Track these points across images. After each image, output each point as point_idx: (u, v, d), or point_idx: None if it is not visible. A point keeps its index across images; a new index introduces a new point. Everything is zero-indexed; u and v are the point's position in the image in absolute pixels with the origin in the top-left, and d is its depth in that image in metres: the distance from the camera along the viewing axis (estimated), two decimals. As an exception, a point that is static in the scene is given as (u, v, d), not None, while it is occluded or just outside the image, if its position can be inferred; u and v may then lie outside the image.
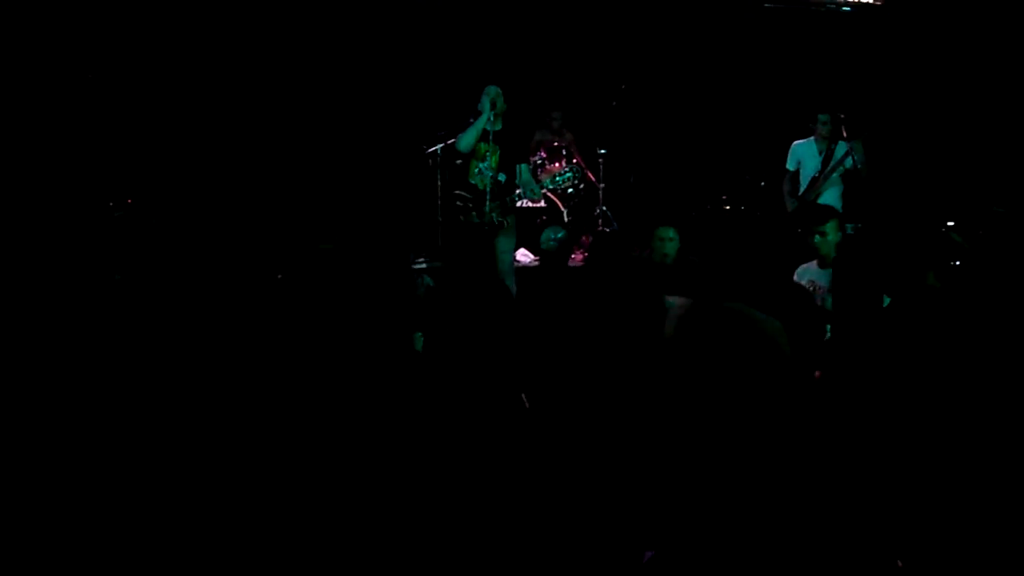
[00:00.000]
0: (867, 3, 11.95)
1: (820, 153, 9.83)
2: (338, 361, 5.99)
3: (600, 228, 11.53)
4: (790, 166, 10.07)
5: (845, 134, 9.59)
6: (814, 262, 7.27)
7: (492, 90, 9.10)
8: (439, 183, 10.05)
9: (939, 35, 11.59)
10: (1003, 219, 9.91)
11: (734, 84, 12.31)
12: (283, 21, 11.79)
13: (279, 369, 6.32)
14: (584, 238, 11.74)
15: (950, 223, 9.95)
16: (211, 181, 11.38)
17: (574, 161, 11.52)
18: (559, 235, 8.91)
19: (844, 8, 11.88)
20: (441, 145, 10.00)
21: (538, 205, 11.13)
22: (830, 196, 9.63)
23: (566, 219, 11.52)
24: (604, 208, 11.67)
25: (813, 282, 7.09)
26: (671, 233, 8.07)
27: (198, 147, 11.47)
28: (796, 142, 10.07)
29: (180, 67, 11.49)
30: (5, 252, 9.36)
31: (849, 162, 9.57)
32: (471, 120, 9.25)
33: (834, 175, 9.67)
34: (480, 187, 9.12)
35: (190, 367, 6.27)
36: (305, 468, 5.55)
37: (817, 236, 7.38)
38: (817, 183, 9.71)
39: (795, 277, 7.26)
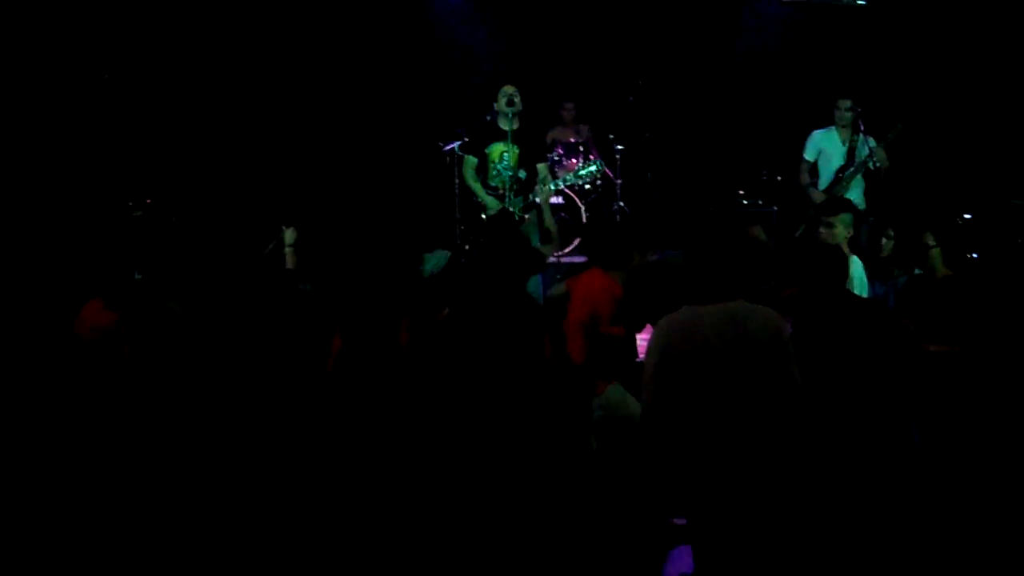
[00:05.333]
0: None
1: (844, 143, 9.69)
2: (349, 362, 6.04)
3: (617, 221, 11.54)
4: (809, 156, 9.88)
5: (863, 128, 9.52)
6: None
7: (508, 89, 9.12)
8: (456, 180, 10.09)
9: (955, 28, 11.55)
10: (1021, 211, 9.88)
11: (750, 79, 12.30)
12: (302, 21, 11.84)
13: (293, 370, 6.37)
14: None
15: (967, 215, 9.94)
16: (230, 180, 11.44)
17: (591, 157, 11.53)
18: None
19: (859, 2, 11.82)
20: (458, 143, 10.03)
21: (555, 201, 11.15)
22: (854, 192, 9.54)
23: (584, 215, 11.54)
24: (622, 204, 11.68)
25: None
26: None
27: (217, 146, 11.52)
28: (815, 131, 9.91)
29: (199, 67, 11.55)
30: (26, 251, 9.44)
31: (873, 163, 9.45)
32: (487, 118, 9.29)
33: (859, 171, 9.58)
34: (500, 187, 9.15)
35: (208, 366, 6.31)
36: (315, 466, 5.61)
37: (823, 227, 7.39)
38: (843, 178, 9.59)
39: None
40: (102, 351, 5.88)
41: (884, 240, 8.27)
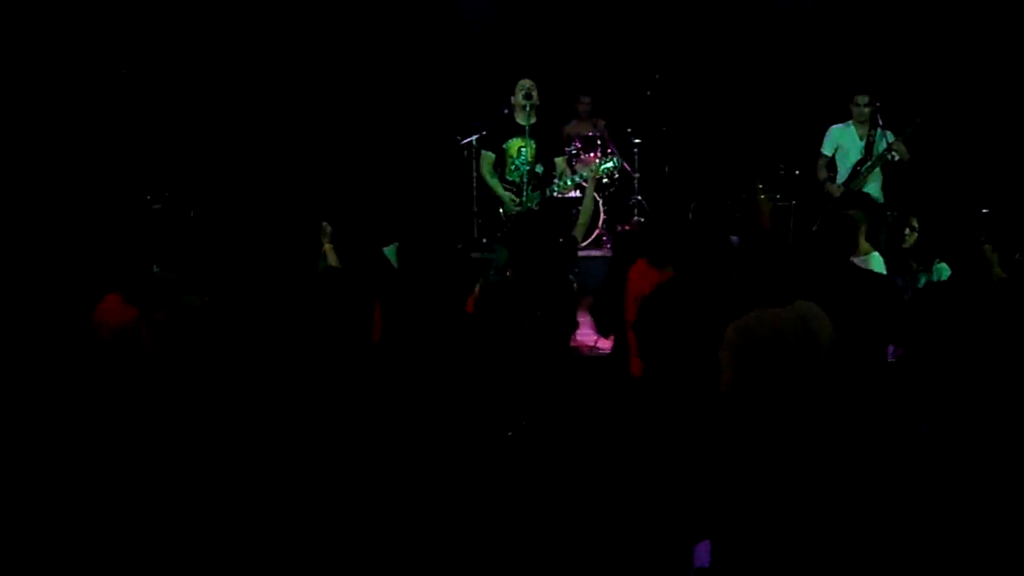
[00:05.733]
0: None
1: (861, 139, 9.64)
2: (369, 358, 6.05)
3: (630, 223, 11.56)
4: (826, 151, 9.82)
5: (881, 122, 9.48)
6: None
7: (526, 83, 9.10)
8: (474, 173, 10.10)
9: (974, 20, 11.51)
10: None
11: (768, 72, 12.27)
12: (321, 15, 11.85)
13: (309, 364, 6.38)
14: (619, 227, 11.78)
15: (984, 210, 9.89)
16: (248, 173, 11.46)
17: (609, 151, 11.51)
18: None
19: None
20: (475, 136, 10.03)
21: (573, 195, 11.13)
22: (872, 187, 9.51)
23: (601, 208, 11.53)
24: (639, 197, 11.68)
25: None
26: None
27: (235, 139, 11.54)
28: (833, 126, 9.85)
29: (217, 61, 11.57)
30: (46, 244, 9.47)
31: (892, 156, 9.39)
32: (505, 111, 9.27)
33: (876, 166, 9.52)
34: (518, 181, 9.13)
35: (229, 360, 6.31)
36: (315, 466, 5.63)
37: None
38: (861, 172, 9.55)
39: None
40: (122, 346, 5.87)
41: (907, 232, 8.09)
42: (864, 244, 7.26)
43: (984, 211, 10.04)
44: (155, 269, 6.43)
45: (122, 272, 6.17)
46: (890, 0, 11.82)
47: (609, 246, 11.64)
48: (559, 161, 9.28)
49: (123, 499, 5.51)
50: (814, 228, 9.36)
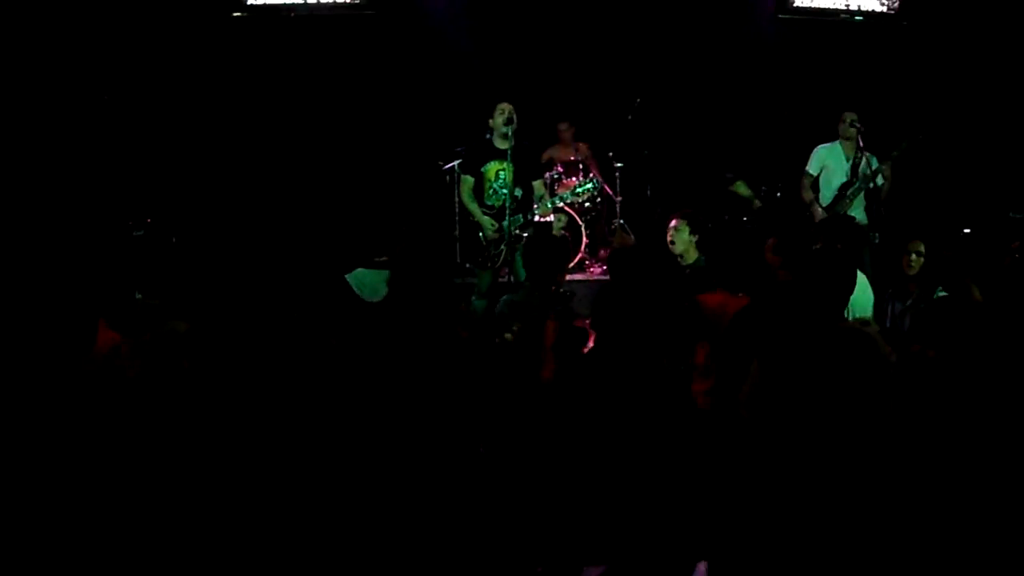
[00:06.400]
0: (881, 14, 11.92)
1: (848, 159, 9.61)
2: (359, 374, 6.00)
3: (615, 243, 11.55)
4: (812, 170, 9.78)
5: (861, 143, 9.46)
6: None
7: (505, 106, 9.09)
8: (456, 199, 10.08)
9: (952, 44, 11.57)
10: (1020, 225, 9.88)
11: (749, 96, 12.29)
12: (300, 42, 11.85)
13: (296, 387, 6.33)
14: (601, 251, 11.78)
15: (960, 229, 9.91)
16: (230, 199, 11.43)
17: (591, 175, 11.53)
18: None
19: (857, 19, 11.86)
20: (458, 161, 10.02)
21: (550, 219, 11.14)
22: (856, 210, 9.50)
23: (584, 232, 11.54)
24: (621, 221, 11.68)
25: None
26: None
27: (217, 165, 11.52)
28: (820, 146, 9.83)
29: (198, 87, 11.56)
30: (27, 270, 9.41)
31: (876, 181, 9.38)
32: (487, 136, 9.25)
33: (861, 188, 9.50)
34: (497, 205, 9.11)
35: (211, 383, 6.28)
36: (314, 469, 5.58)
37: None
38: (846, 195, 9.52)
39: None
40: (106, 371, 5.84)
41: (914, 256, 7.83)
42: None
43: (966, 231, 10.13)
44: (137, 295, 6.41)
45: (105, 298, 6.14)
46: (875, 24, 11.87)
47: (592, 270, 11.65)
48: (537, 184, 9.27)
49: (106, 518, 5.47)
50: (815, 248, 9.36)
